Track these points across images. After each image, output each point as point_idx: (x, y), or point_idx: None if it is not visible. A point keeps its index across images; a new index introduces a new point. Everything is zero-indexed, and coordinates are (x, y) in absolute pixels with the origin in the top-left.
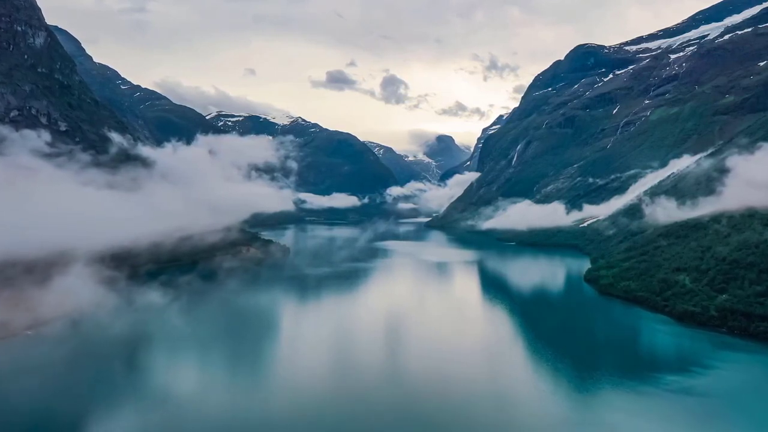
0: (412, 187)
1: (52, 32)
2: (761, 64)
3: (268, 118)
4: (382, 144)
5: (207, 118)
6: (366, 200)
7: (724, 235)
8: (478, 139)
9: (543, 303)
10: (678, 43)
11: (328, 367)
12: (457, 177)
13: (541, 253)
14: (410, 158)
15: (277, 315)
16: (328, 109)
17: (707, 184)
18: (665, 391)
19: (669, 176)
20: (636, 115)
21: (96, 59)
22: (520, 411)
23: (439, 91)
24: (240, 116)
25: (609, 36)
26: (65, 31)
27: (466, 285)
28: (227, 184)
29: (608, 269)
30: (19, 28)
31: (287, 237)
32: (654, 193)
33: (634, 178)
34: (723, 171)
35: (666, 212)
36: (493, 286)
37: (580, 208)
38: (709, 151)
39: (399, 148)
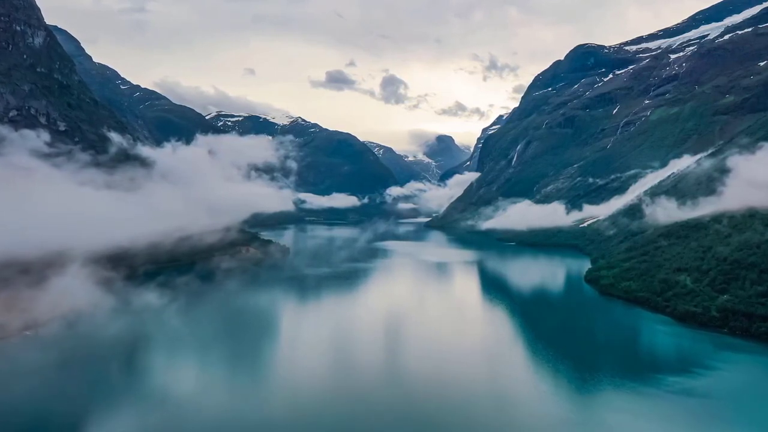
0: (411, 187)
1: (51, 32)
2: (761, 64)
3: (267, 118)
4: (382, 144)
5: (206, 118)
6: (366, 200)
7: (725, 236)
8: (478, 139)
9: (543, 303)
10: (678, 43)
11: (328, 368)
12: (456, 177)
13: (541, 253)
14: (410, 158)
15: (276, 315)
16: (328, 109)
17: (708, 184)
18: (666, 392)
19: (669, 176)
20: (636, 115)
21: (95, 59)
22: (521, 411)
23: (438, 91)
24: (240, 116)
25: (609, 36)
26: (65, 30)
27: (466, 285)
28: (227, 184)
29: (609, 269)
30: (18, 28)
31: (287, 237)
32: (654, 193)
33: (634, 178)
34: (724, 171)
35: (666, 212)
36: (493, 287)
37: (580, 208)
38: (710, 151)
39: (399, 148)
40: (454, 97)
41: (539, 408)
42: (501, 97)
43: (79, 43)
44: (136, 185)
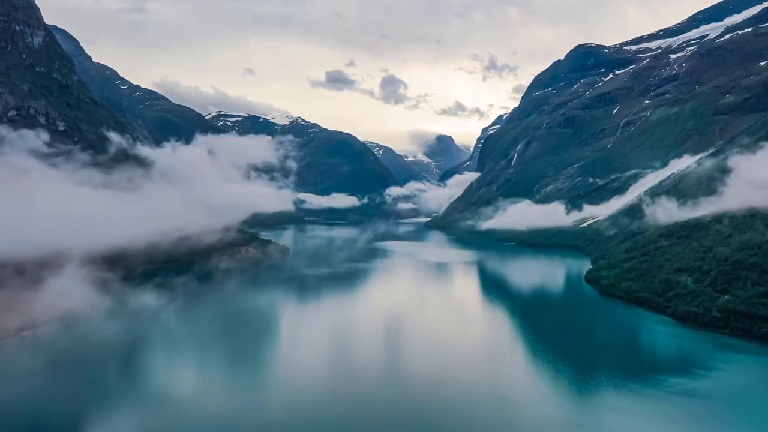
0: (411, 187)
1: (50, 32)
2: (761, 63)
3: (267, 118)
4: (382, 144)
5: (206, 118)
6: (365, 200)
7: (726, 236)
8: (478, 139)
9: (543, 303)
10: (678, 43)
11: (328, 368)
12: (456, 177)
13: (541, 254)
14: (410, 158)
15: (275, 316)
16: (328, 109)
17: (708, 184)
18: (667, 393)
19: (669, 176)
20: (636, 115)
21: (95, 59)
22: (521, 412)
23: (438, 91)
24: (239, 116)
25: (609, 36)
26: (64, 30)
27: (466, 285)
28: (226, 184)
29: (609, 270)
30: (17, 28)
31: (286, 237)
32: (654, 193)
33: (635, 178)
34: (724, 171)
35: (667, 212)
36: (493, 287)
37: (580, 209)
38: (710, 151)
39: (398, 148)
40: (453, 97)
41: (539, 409)
42: (501, 97)
43: (79, 43)
44: (135, 185)
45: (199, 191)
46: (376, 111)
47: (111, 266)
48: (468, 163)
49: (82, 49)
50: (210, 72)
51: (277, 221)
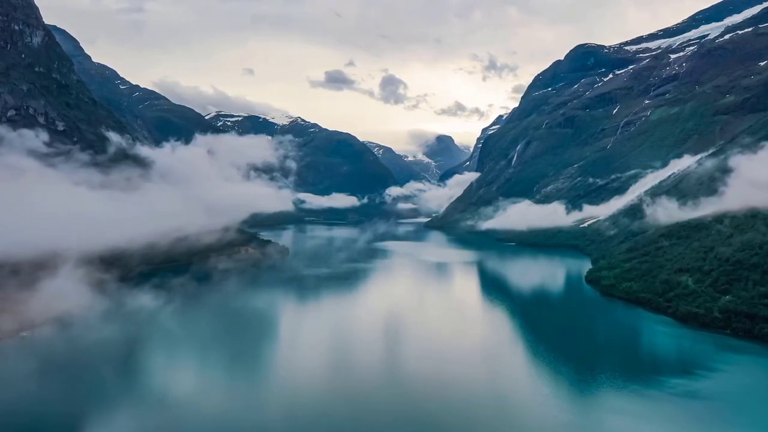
0: (411, 187)
1: (49, 31)
2: (762, 63)
3: (267, 118)
4: (382, 144)
5: (206, 117)
6: (365, 200)
7: (727, 236)
8: (478, 139)
9: (544, 304)
10: (678, 43)
11: (328, 369)
12: (456, 177)
13: (542, 254)
14: (410, 158)
15: (275, 317)
16: (327, 109)
17: (709, 184)
18: (668, 394)
19: (670, 176)
20: (636, 115)
21: (94, 59)
22: (521, 412)
23: (438, 91)
24: (239, 116)
25: (608, 36)
26: (63, 30)
27: (466, 286)
28: (226, 184)
29: (609, 270)
30: (16, 27)
31: (286, 237)
32: (655, 193)
33: (635, 178)
34: (725, 171)
35: (667, 212)
36: (494, 287)
37: (580, 209)
38: (710, 151)
39: (398, 148)
40: (453, 97)
41: (539, 409)
42: (500, 97)
43: (78, 43)
44: (134, 185)
45: (199, 191)
46: (376, 111)
47: (108, 267)
48: (468, 163)
49: (82, 49)
50: (209, 72)
51: (277, 221)
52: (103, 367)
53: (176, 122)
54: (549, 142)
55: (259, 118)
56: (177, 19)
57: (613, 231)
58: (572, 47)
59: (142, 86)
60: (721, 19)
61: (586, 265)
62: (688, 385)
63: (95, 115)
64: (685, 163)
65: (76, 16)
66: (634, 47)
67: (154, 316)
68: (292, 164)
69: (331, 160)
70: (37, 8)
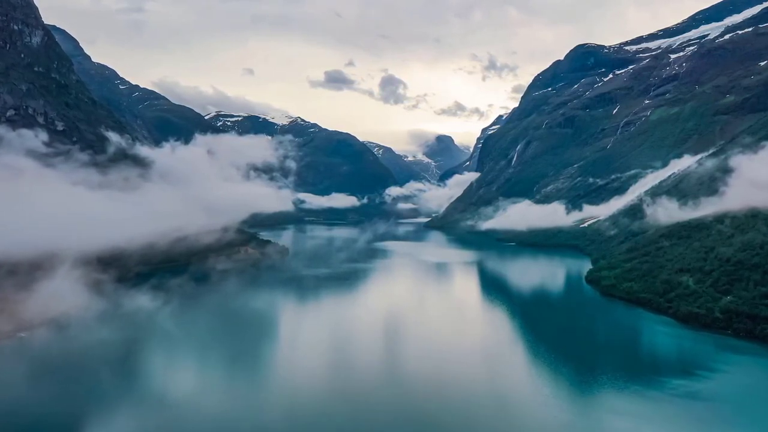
0: (411, 187)
1: (49, 31)
2: (762, 63)
3: (267, 118)
4: (382, 144)
5: (205, 117)
6: (365, 200)
7: (728, 236)
8: (478, 139)
9: (544, 304)
10: (678, 43)
11: (328, 369)
12: (456, 177)
13: (542, 254)
14: (409, 158)
15: (274, 317)
16: (327, 109)
17: (709, 184)
18: (669, 395)
19: (670, 176)
20: (636, 115)
21: (94, 59)
22: (521, 413)
23: (437, 91)
24: (239, 116)
25: (609, 36)
26: (63, 30)
27: (466, 286)
28: (226, 184)
29: (610, 270)
30: (15, 27)
31: (286, 237)
32: (655, 193)
33: (635, 179)
34: (725, 171)
35: (667, 212)
36: (494, 287)
37: (580, 209)
38: (711, 151)
39: (398, 148)
40: (453, 97)
41: (540, 410)
42: (500, 97)
43: (78, 43)
44: (133, 185)
45: (199, 191)
46: (376, 111)
47: (106, 267)
48: (468, 163)
49: (82, 49)
50: (209, 72)
51: (277, 221)
52: (100, 369)
53: (176, 122)
54: (549, 142)
55: (259, 118)
56: (177, 19)
57: (613, 231)
58: (572, 47)
59: (141, 86)
60: (721, 19)
61: (586, 265)
62: (689, 386)
63: (95, 115)
64: (685, 163)
65: (75, 16)
66: (634, 47)
67: (152, 317)
68: (291, 164)
69: (331, 160)
70: (36, 8)
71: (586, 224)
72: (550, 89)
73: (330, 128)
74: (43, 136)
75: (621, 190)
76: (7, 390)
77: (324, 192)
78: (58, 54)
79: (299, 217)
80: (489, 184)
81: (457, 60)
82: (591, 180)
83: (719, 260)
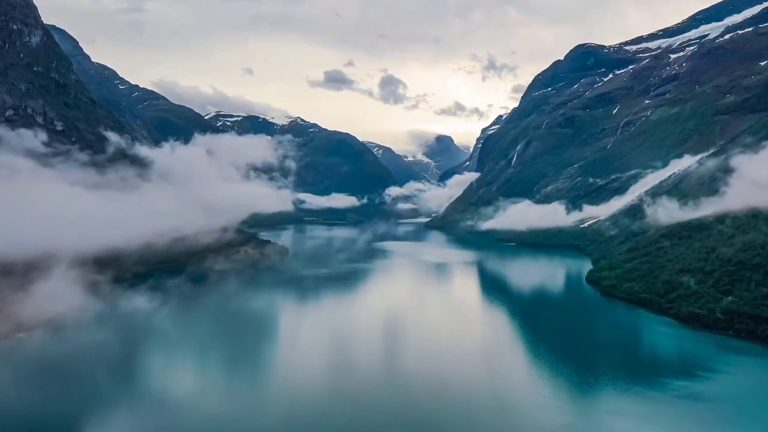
0: (411, 187)
1: (48, 31)
2: (762, 63)
3: (266, 118)
4: (381, 144)
5: (205, 117)
6: (365, 200)
7: (729, 236)
8: (478, 139)
9: (544, 304)
10: (678, 43)
11: (327, 369)
12: (456, 177)
13: (542, 254)
14: (409, 158)
15: (273, 318)
16: (327, 109)
17: (710, 184)
18: (671, 396)
19: (670, 176)
20: (636, 115)
21: (94, 59)
22: (521, 414)
23: (437, 91)
24: (238, 116)
25: (608, 36)
26: (62, 30)
27: (466, 286)
28: (225, 184)
29: (610, 270)
30: (15, 27)
31: (285, 237)
32: (655, 193)
33: (635, 179)
34: (726, 171)
35: (668, 213)
36: (494, 288)
37: (580, 209)
38: (711, 151)
39: (398, 148)
40: (452, 97)
41: (540, 411)
42: (500, 97)
43: (77, 43)
44: (132, 185)
45: (198, 191)
46: (376, 111)
47: (102, 268)
48: (468, 163)
49: (81, 49)
50: (209, 72)
51: (277, 221)
52: (98, 370)
53: (175, 122)
54: (549, 142)
55: (259, 118)
56: (176, 19)
57: (613, 231)
58: (572, 47)
59: (141, 86)
60: (721, 19)
61: (587, 266)
62: (691, 387)
63: (94, 115)
64: (685, 163)
65: (75, 16)
66: (634, 47)
67: (149, 318)
68: (291, 164)
69: (331, 160)
70: (35, 8)
71: (586, 224)
72: (550, 89)
73: (330, 128)
74: (42, 136)
75: (621, 190)
76: (6, 390)
77: (324, 192)
78: (57, 54)
79: (299, 217)
80: (489, 184)
81: (456, 60)
82: (591, 180)
83: (720, 260)
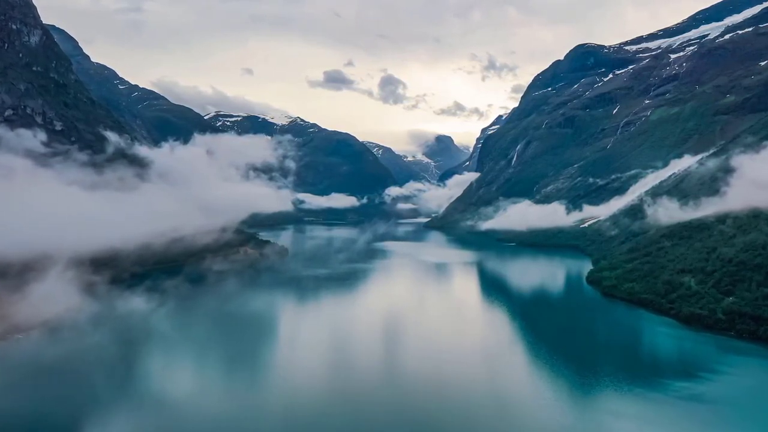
0: (411, 187)
1: (47, 31)
2: (762, 63)
3: (266, 118)
4: (381, 144)
5: (205, 117)
6: (365, 200)
7: (730, 236)
8: (477, 139)
9: (544, 305)
10: (678, 43)
11: (327, 369)
12: (456, 177)
13: (542, 254)
14: (409, 158)
15: (272, 318)
16: (327, 109)
17: (710, 184)
18: (672, 397)
19: (670, 176)
20: (636, 115)
21: (93, 59)
22: (521, 414)
23: (437, 91)
24: (238, 116)
25: (608, 36)
26: (62, 30)
27: (466, 286)
28: (225, 184)
29: (611, 270)
30: (14, 27)
31: (285, 237)
32: (655, 193)
33: (635, 179)
34: (727, 171)
35: (668, 213)
36: (494, 288)
37: (580, 209)
38: (711, 151)
39: (398, 148)
40: (452, 97)
41: (540, 411)
42: (500, 97)
43: (77, 43)
44: (131, 185)
45: (197, 191)
46: (375, 111)
47: (100, 268)
48: (467, 163)
49: (80, 49)
50: (208, 72)
51: (276, 221)
52: (95, 371)
53: (175, 122)
54: (549, 142)
55: (258, 118)
56: (176, 19)
57: (613, 231)
58: (572, 47)
59: (140, 86)
60: (721, 19)
61: (587, 266)
62: (692, 388)
63: (93, 115)
64: (685, 163)
65: (74, 16)
66: (634, 47)
67: (147, 319)
68: (291, 164)
69: (331, 160)
70: (35, 7)
71: (586, 224)
72: (549, 89)
73: (329, 128)
74: (42, 135)
75: (621, 190)
76: (3, 392)
77: (323, 192)
78: (56, 54)
79: (299, 218)
80: (489, 184)
81: (456, 60)
82: (591, 180)
83: (721, 261)
